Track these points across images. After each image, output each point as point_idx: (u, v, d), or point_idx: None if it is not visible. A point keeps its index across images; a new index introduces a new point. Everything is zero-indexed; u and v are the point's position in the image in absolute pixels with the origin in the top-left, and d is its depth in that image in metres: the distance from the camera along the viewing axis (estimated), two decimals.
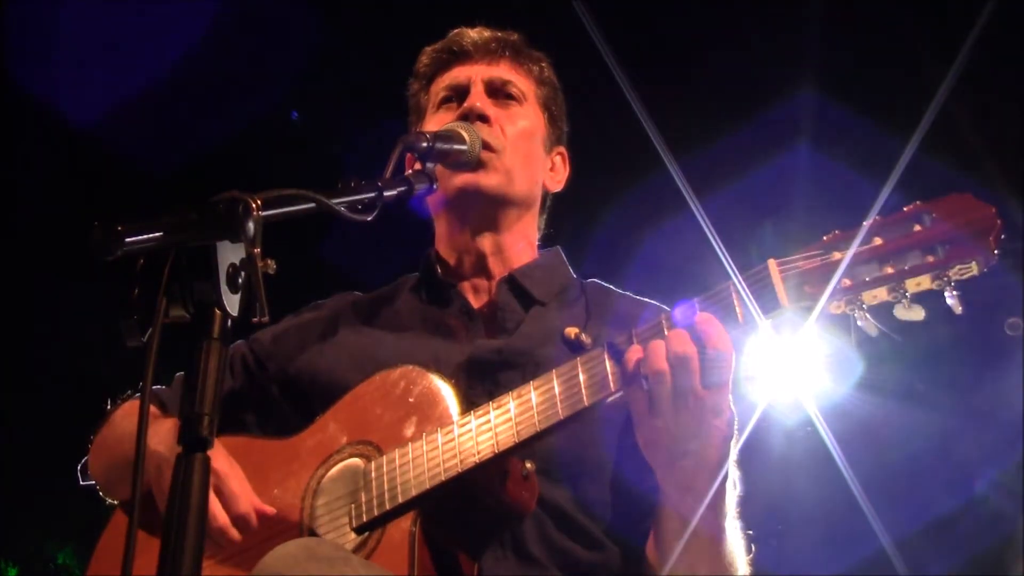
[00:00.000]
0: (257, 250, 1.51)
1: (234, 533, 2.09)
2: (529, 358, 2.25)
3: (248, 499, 2.12)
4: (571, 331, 2.12)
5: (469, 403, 2.07)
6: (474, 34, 2.55)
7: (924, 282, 1.70)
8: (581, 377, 1.91)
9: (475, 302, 2.43)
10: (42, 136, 6.02)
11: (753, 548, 2.06)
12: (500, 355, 2.27)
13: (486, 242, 2.44)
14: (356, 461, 2.10)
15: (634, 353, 1.86)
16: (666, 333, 1.85)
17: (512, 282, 2.42)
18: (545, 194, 2.58)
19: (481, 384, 2.23)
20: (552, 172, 2.58)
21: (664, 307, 2.35)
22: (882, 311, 1.75)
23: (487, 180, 2.36)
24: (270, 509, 2.14)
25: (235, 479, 2.13)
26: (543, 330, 2.33)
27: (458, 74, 2.51)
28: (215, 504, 2.09)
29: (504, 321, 2.38)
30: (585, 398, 1.90)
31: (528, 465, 1.99)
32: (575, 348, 2.07)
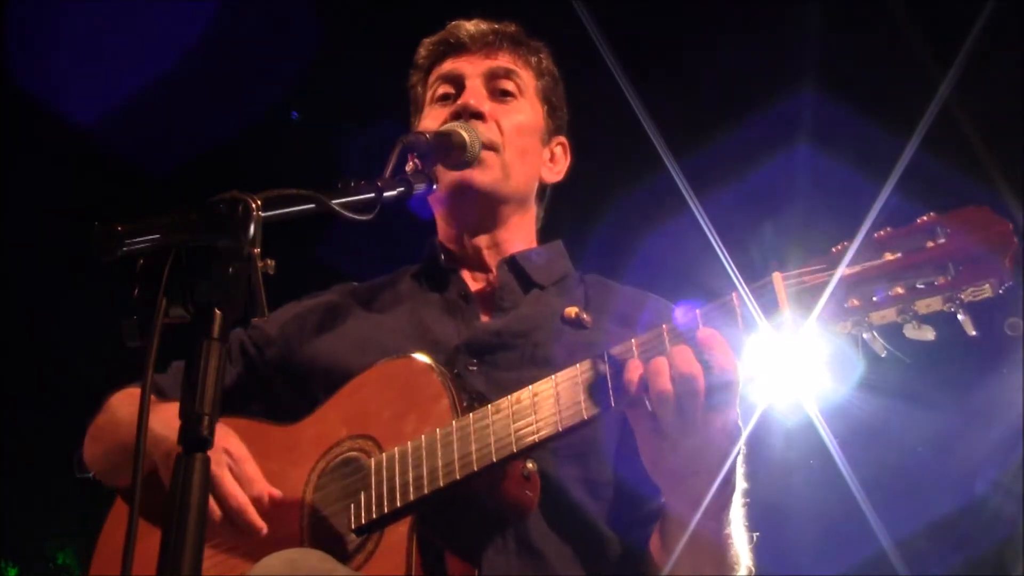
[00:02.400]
0: (257, 250, 1.51)
1: (252, 513, 2.07)
2: (527, 340, 2.25)
3: (262, 483, 2.10)
4: (571, 311, 2.10)
5: (467, 395, 2.06)
6: (471, 26, 2.54)
7: (935, 303, 1.62)
8: (582, 387, 1.87)
9: (473, 285, 2.43)
10: (42, 136, 6.02)
11: (755, 537, 2.05)
12: (499, 337, 2.27)
13: (483, 238, 2.45)
14: (356, 455, 2.10)
15: (635, 372, 1.81)
16: (668, 347, 1.80)
17: (512, 264, 2.43)
18: (543, 186, 2.58)
19: (479, 366, 2.23)
20: (551, 163, 2.57)
21: (663, 301, 2.34)
22: (891, 331, 1.67)
23: (481, 177, 2.36)
24: (277, 493, 2.12)
25: (250, 464, 2.12)
26: (542, 312, 2.32)
27: (454, 67, 2.50)
28: (233, 486, 2.06)
29: (502, 300, 2.38)
30: (584, 411, 1.86)
31: (529, 465, 1.98)
32: (575, 326, 2.05)
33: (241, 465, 2.09)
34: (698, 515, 1.90)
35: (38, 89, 5.82)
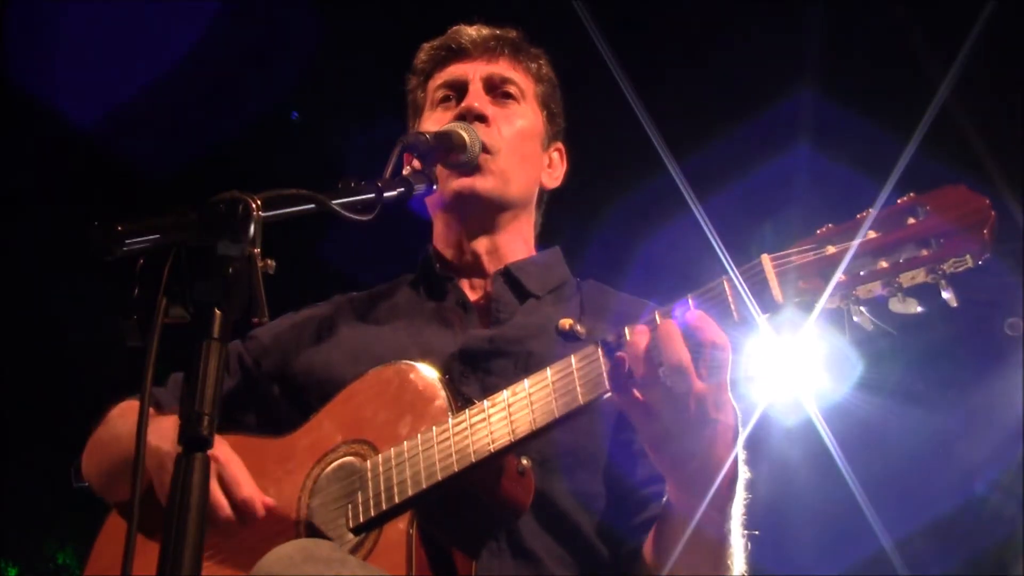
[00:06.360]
0: (257, 250, 1.52)
1: (238, 515, 2.08)
2: (521, 348, 2.25)
3: (250, 484, 2.11)
4: (565, 322, 2.12)
5: (462, 397, 2.07)
6: (472, 31, 2.55)
7: (919, 276, 1.68)
8: (576, 374, 1.90)
9: (471, 295, 2.44)
10: (42, 137, 6.02)
11: (749, 546, 2.05)
12: (492, 344, 2.28)
13: (482, 243, 2.45)
14: (351, 460, 2.10)
15: (621, 359, 1.83)
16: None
17: (508, 275, 2.43)
18: (542, 191, 2.58)
19: (474, 373, 2.24)
20: (550, 169, 2.58)
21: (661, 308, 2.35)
22: (877, 305, 1.73)
23: (483, 184, 2.36)
24: (270, 500, 2.13)
25: (236, 465, 2.12)
26: (536, 321, 2.33)
27: (456, 71, 2.51)
28: (217, 491, 2.07)
29: (498, 312, 2.38)
30: (580, 397, 1.89)
31: (524, 462, 1.99)
32: (569, 339, 2.07)
33: (228, 468, 2.10)
34: (699, 502, 1.89)
35: (38, 89, 5.82)
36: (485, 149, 2.35)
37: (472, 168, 2.34)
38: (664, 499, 2.04)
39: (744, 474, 1.97)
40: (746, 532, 2.03)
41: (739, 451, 1.91)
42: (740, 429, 1.88)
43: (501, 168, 2.39)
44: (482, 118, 2.39)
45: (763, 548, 2.14)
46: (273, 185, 1.68)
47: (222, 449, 2.13)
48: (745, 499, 2.00)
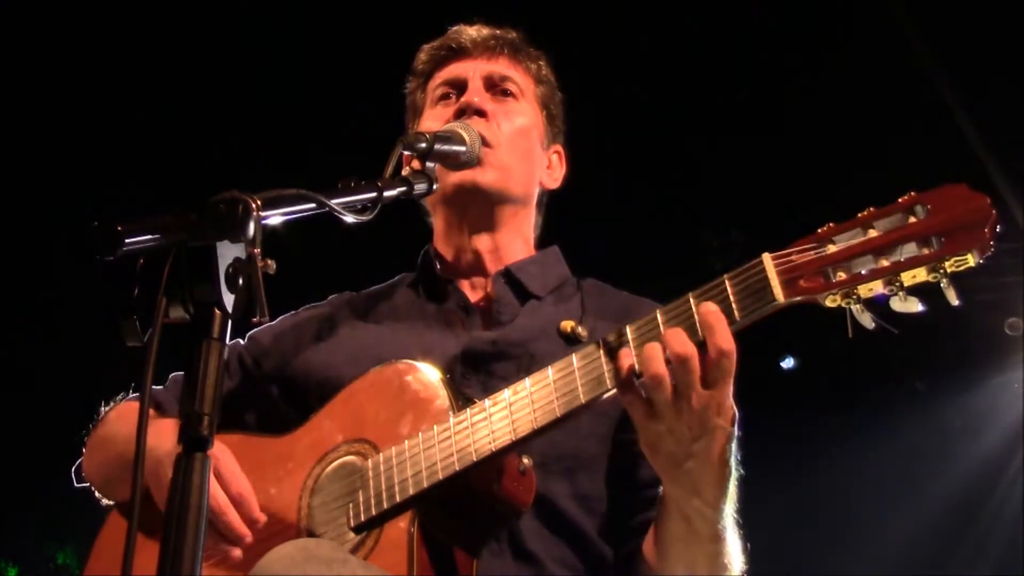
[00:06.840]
0: (257, 250, 1.52)
1: (233, 515, 2.06)
2: (523, 349, 2.25)
3: (244, 481, 2.10)
4: (567, 324, 2.11)
5: (463, 396, 2.07)
6: (472, 31, 2.56)
7: (920, 274, 1.68)
8: (577, 373, 1.90)
9: (472, 296, 2.44)
10: (42, 136, 6.02)
11: (748, 546, 2.05)
12: (495, 346, 2.28)
13: (483, 240, 2.45)
14: (352, 459, 2.10)
15: (626, 357, 1.84)
16: (662, 330, 1.82)
17: (508, 276, 2.43)
18: (542, 192, 2.58)
19: (476, 375, 2.24)
20: (549, 170, 2.58)
21: (660, 305, 2.34)
22: (878, 304, 1.74)
23: (484, 177, 2.36)
24: (260, 509, 2.11)
25: (228, 461, 2.11)
26: (538, 323, 2.33)
27: (456, 70, 2.52)
28: (213, 485, 2.04)
29: (500, 314, 2.38)
30: (582, 395, 1.89)
31: (525, 461, 1.99)
32: (570, 341, 2.07)
33: (220, 465, 2.08)
34: (696, 502, 1.90)
35: (37, 89, 5.82)
36: (485, 143, 2.36)
37: (473, 163, 2.34)
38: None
39: (738, 470, 1.97)
40: (742, 530, 2.03)
41: (734, 449, 1.91)
42: (736, 429, 1.89)
43: (502, 162, 2.39)
44: (481, 113, 2.40)
45: (762, 547, 2.14)
46: (273, 185, 1.68)
47: (216, 446, 2.10)
48: (739, 497, 2.00)
